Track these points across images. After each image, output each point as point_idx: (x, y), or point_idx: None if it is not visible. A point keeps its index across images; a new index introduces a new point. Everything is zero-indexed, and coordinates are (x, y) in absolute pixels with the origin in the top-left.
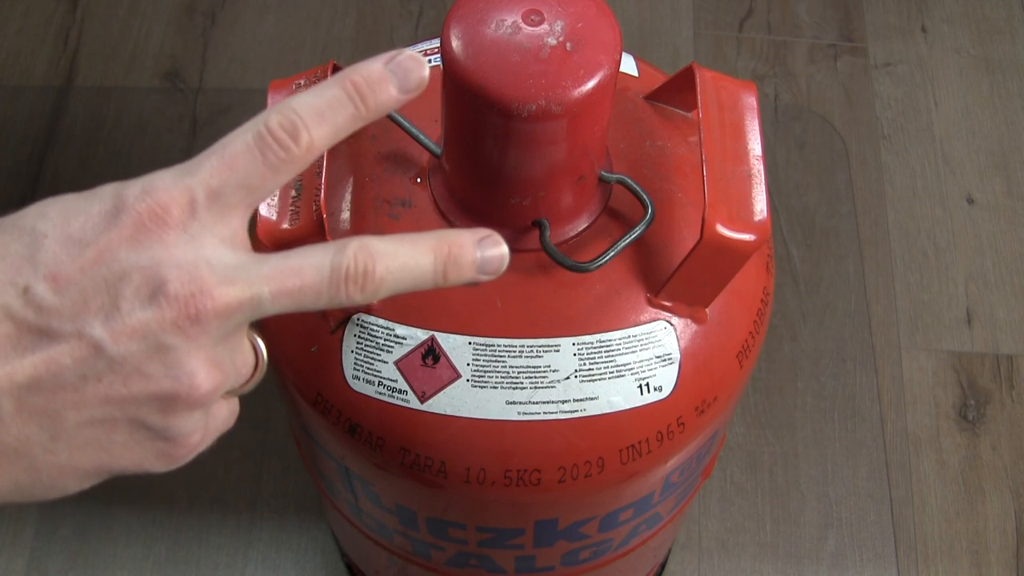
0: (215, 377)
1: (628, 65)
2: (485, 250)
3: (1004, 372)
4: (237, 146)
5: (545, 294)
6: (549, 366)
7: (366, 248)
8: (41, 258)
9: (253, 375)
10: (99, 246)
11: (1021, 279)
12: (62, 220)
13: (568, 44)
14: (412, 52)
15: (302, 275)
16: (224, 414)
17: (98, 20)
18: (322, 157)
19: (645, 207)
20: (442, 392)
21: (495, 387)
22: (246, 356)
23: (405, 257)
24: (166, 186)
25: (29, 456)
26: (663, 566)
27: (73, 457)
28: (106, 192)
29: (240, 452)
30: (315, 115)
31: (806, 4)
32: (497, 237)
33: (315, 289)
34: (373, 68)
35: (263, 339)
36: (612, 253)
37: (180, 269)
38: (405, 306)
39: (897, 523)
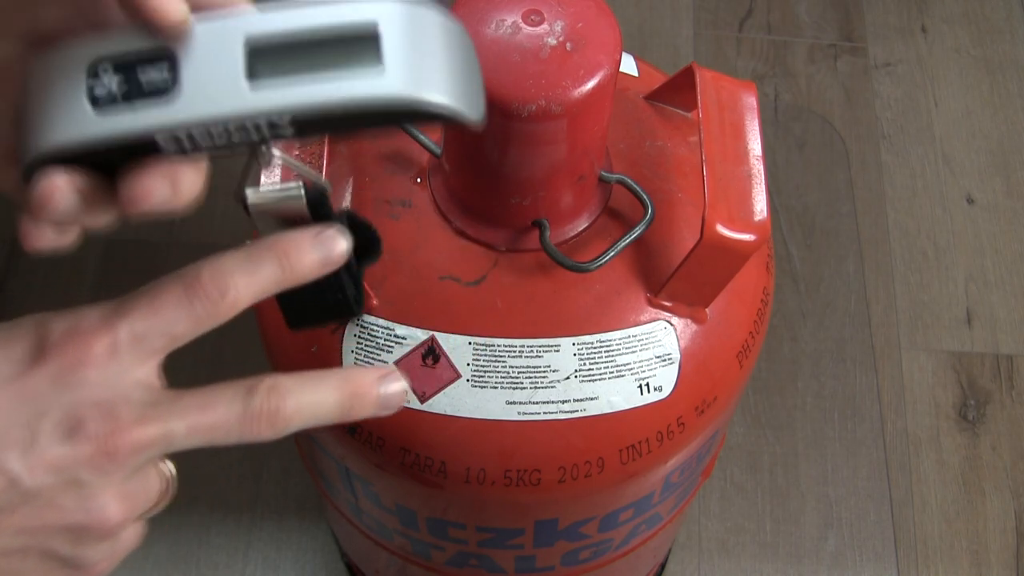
0: (125, 509)
1: (628, 65)
2: (386, 387)
3: (1004, 372)
4: (167, 294)
5: (545, 294)
6: (549, 366)
7: (277, 388)
8: None
9: (162, 500)
10: (21, 382)
11: (1021, 279)
12: None
13: (568, 44)
14: (336, 228)
15: (215, 414)
16: (131, 537)
17: None
18: (322, 156)
19: (645, 207)
20: (442, 392)
21: (495, 387)
22: (156, 483)
23: (312, 395)
24: (91, 327)
25: None
26: (663, 566)
27: None
28: (29, 325)
29: (240, 452)
30: (244, 274)
31: (806, 4)
32: (397, 374)
33: (226, 427)
34: (303, 239)
35: (172, 463)
36: (612, 253)
37: (98, 408)
38: (405, 306)
39: (897, 523)
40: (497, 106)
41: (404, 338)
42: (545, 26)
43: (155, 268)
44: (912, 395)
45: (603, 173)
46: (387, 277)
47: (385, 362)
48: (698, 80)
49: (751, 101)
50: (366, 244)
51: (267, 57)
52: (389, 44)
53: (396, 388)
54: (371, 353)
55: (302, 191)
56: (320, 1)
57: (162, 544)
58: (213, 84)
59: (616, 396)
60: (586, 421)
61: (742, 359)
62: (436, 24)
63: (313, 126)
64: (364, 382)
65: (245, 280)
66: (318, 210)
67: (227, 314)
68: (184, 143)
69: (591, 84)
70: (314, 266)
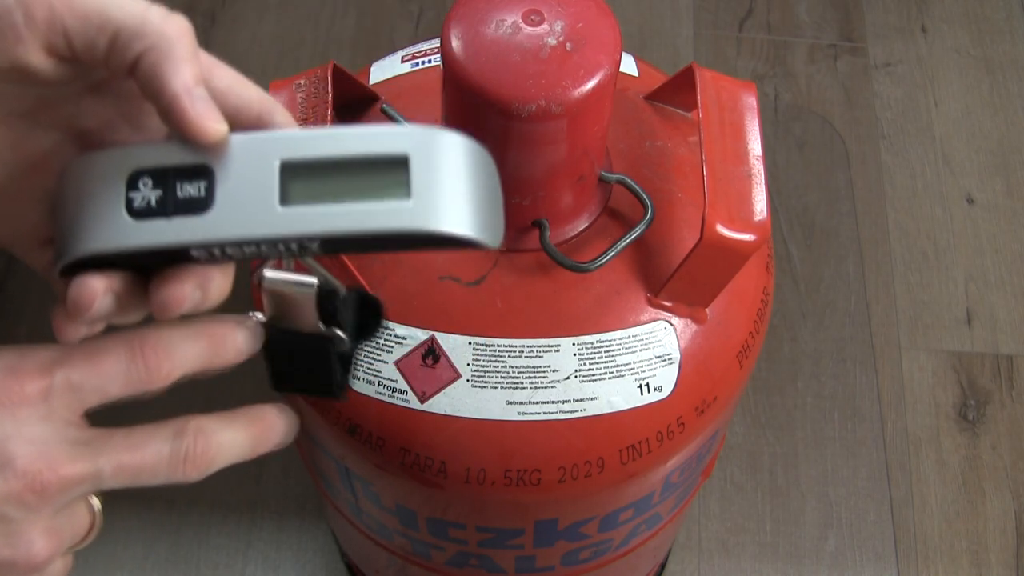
0: (52, 545)
1: (628, 65)
2: (287, 420)
3: (1004, 372)
4: (109, 353)
5: (545, 294)
6: (549, 366)
7: (203, 431)
8: None
9: (89, 534)
10: None
11: (1021, 279)
12: None
13: (568, 44)
14: (255, 320)
15: (143, 455)
16: (58, 571)
17: None
18: None
19: (645, 207)
20: (442, 392)
21: (495, 387)
22: (84, 519)
23: (231, 435)
24: (29, 369)
25: None
26: (663, 566)
27: None
28: None
29: None
30: (182, 351)
31: (806, 4)
32: (290, 411)
33: (154, 468)
34: (233, 326)
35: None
36: (612, 253)
37: (29, 445)
38: (405, 306)
39: (897, 523)
40: (497, 106)
41: (404, 338)
42: (545, 26)
43: None
44: (912, 395)
45: (603, 173)
46: (387, 277)
47: (385, 362)
48: (698, 80)
49: (751, 101)
50: (369, 320)
51: (300, 180)
52: (417, 176)
53: (292, 422)
54: (371, 353)
55: (315, 287)
56: (353, 125)
57: (162, 544)
58: (247, 205)
59: (616, 396)
60: (586, 421)
61: (742, 359)
62: (463, 152)
63: (341, 247)
64: (268, 417)
65: (182, 357)
66: (324, 308)
67: (159, 385)
68: (216, 254)
69: (591, 84)
70: (241, 353)
